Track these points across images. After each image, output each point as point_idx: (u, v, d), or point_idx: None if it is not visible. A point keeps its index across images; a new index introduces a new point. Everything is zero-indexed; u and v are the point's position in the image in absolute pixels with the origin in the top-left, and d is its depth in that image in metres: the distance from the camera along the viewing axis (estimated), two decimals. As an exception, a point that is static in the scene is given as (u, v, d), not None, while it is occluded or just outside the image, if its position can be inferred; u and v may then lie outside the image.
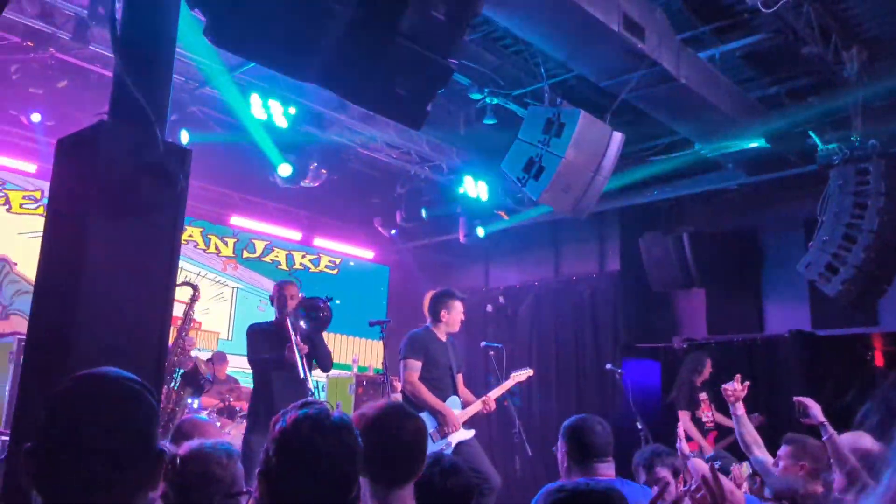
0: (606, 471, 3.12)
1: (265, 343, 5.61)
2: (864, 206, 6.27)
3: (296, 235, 10.47)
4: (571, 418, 3.32)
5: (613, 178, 6.15)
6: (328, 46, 3.10)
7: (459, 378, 5.87)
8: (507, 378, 6.05)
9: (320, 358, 5.78)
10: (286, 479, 1.75)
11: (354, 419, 2.34)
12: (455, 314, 5.79)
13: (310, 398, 1.90)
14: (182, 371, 5.66)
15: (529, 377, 6.29)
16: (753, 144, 6.85)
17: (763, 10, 5.02)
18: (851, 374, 8.04)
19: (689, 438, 7.18)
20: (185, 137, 6.90)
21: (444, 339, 5.83)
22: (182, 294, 5.24)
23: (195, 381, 5.66)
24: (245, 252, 10.06)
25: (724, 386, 4.36)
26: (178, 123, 6.86)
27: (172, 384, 5.54)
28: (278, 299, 5.76)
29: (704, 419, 7.30)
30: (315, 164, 7.97)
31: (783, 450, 3.95)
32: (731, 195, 8.26)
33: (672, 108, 6.24)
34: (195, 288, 5.68)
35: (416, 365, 5.59)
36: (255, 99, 6.85)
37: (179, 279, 6.41)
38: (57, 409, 1.40)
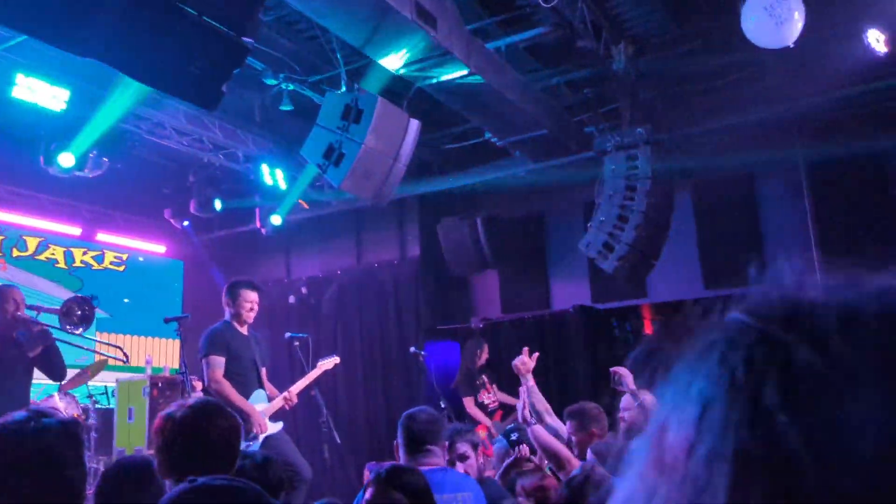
0: (432, 458, 3.18)
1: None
2: (634, 188, 6.93)
3: (75, 231, 9.58)
4: (405, 413, 3.39)
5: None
6: (110, 18, 2.88)
7: (264, 372, 5.74)
8: (313, 367, 6.00)
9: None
10: None
11: (159, 421, 2.21)
12: (241, 303, 5.60)
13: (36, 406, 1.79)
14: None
15: (336, 364, 6.29)
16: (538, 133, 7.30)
17: (543, 4, 5.37)
18: (626, 342, 8.90)
19: (475, 422, 7.59)
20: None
21: (245, 332, 5.66)
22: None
23: None
24: (15, 250, 9.05)
25: (514, 362, 4.61)
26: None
27: None
28: None
29: (487, 401, 7.74)
30: (95, 153, 7.35)
31: (568, 426, 4.27)
32: (520, 181, 8.76)
33: (464, 97, 6.49)
34: None
35: (220, 361, 5.39)
36: (20, 79, 6.19)
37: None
38: None
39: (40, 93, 6.35)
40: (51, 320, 5.48)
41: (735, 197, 8.35)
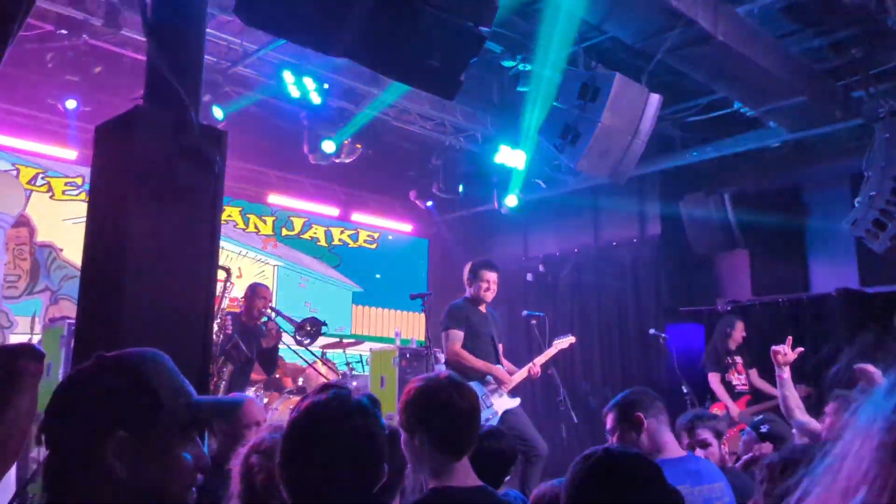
0: (669, 435, 2.97)
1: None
2: (914, 159, 6.07)
3: (333, 211, 10.53)
4: (622, 394, 3.16)
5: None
6: (357, 20, 3.07)
7: (500, 349, 5.90)
8: (549, 346, 6.05)
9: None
10: (302, 471, 1.67)
11: (411, 391, 2.33)
12: (480, 283, 5.77)
13: (332, 381, 1.84)
14: (225, 348, 5.81)
15: (572, 344, 6.28)
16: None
17: (804, -41, 4.84)
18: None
19: (715, 399, 7.14)
20: (219, 114, 6.97)
21: (483, 309, 5.84)
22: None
23: (235, 358, 5.83)
24: (284, 230, 10.16)
25: (773, 347, 4.26)
26: (211, 103, 6.92)
27: (216, 362, 5.69)
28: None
29: (735, 382, 7.25)
30: (349, 140, 7.97)
31: (830, 406, 3.86)
32: (773, 153, 8.05)
33: (711, 67, 6.07)
34: (228, 271, 5.82)
35: (459, 335, 5.63)
36: (287, 76, 6.86)
37: (224, 262, 6.64)
38: None
39: (303, 87, 6.98)
40: (284, 325, 6.44)
41: None
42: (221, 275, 5.88)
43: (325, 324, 6.57)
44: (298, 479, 1.68)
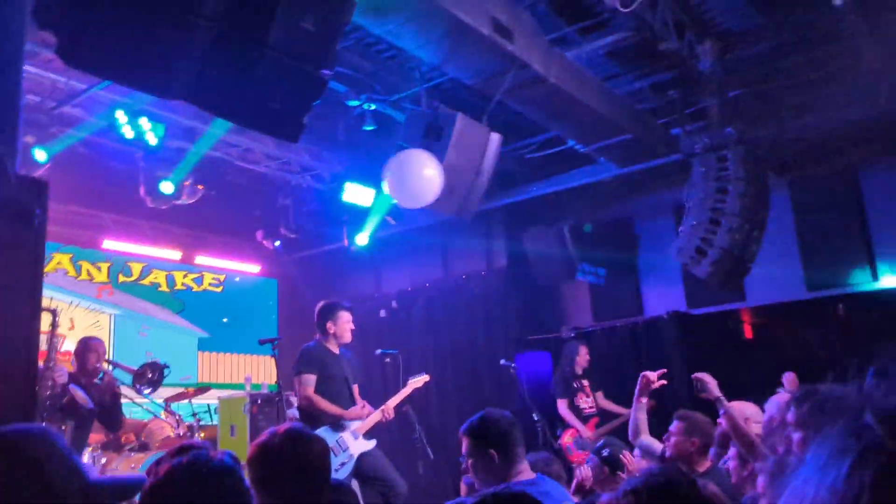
0: (524, 462, 3.05)
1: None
2: (726, 190, 6.66)
3: (175, 255, 10.04)
4: (475, 417, 3.24)
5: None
6: (193, 62, 2.98)
7: (356, 389, 5.83)
8: (404, 385, 6.05)
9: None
10: None
11: (254, 449, 2.26)
12: (342, 325, 5.74)
13: (188, 442, 1.73)
14: (61, 405, 5.36)
15: (426, 382, 6.32)
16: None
17: (621, 9, 5.23)
18: (725, 348, 8.57)
19: (566, 425, 7.46)
20: (41, 156, 6.48)
21: (336, 351, 5.77)
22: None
23: (77, 414, 5.38)
24: (121, 276, 9.57)
25: (645, 373, 4.52)
26: (35, 144, 6.44)
27: (52, 419, 5.22)
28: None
29: (583, 405, 7.60)
30: (190, 181, 7.68)
31: (675, 425, 4.13)
32: (606, 187, 8.59)
33: (544, 107, 6.41)
34: (54, 313, 5.38)
35: (311, 379, 5.52)
36: (120, 116, 6.52)
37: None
38: None
39: (138, 128, 6.66)
40: (123, 377, 6.04)
41: (837, 192, 7.92)
42: (48, 318, 5.43)
43: (166, 366, 6.16)
44: None
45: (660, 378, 4.46)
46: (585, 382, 7.72)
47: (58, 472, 1.15)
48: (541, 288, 9.38)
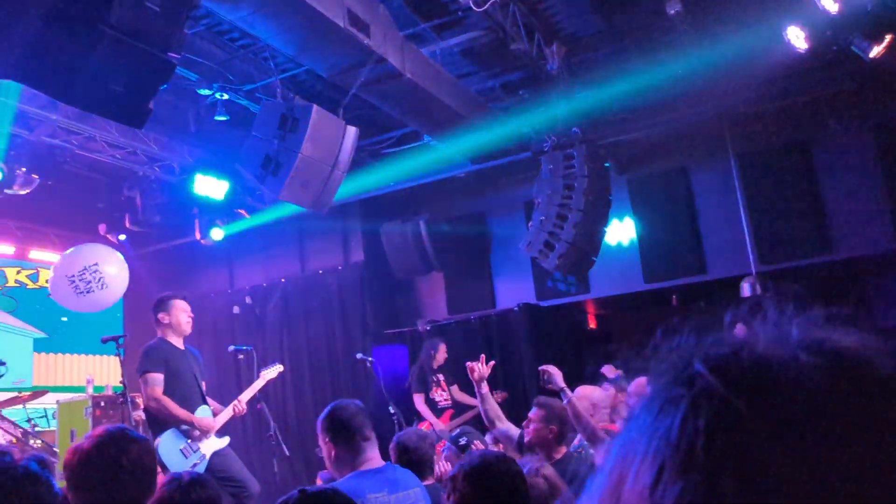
0: (372, 451, 3.10)
1: None
2: (572, 187, 7.04)
3: (8, 249, 9.28)
4: (325, 410, 3.27)
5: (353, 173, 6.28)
6: (23, 40, 2.80)
7: (204, 386, 5.65)
8: (257, 377, 5.94)
9: None
10: None
11: (69, 454, 2.15)
12: (176, 314, 5.51)
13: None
14: None
15: (281, 373, 6.24)
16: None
17: (475, 8, 5.41)
18: (571, 337, 9.04)
19: (421, 418, 7.64)
20: None
21: (181, 346, 5.55)
22: None
23: None
24: (-58, 273, 8.74)
25: (468, 364, 4.64)
26: None
27: None
28: None
29: (438, 399, 7.80)
30: (24, 169, 7.14)
31: (534, 412, 4.30)
32: (461, 182, 8.81)
33: (400, 102, 6.50)
34: None
35: (158, 378, 5.28)
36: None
37: None
38: None
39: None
40: None
41: (672, 190, 8.55)
42: None
43: (3, 363, 5.54)
44: None
45: (487, 364, 4.60)
46: (441, 377, 7.90)
47: None
48: (397, 282, 9.49)
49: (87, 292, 4.63)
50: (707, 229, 8.37)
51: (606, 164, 7.50)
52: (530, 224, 7.30)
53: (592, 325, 9.55)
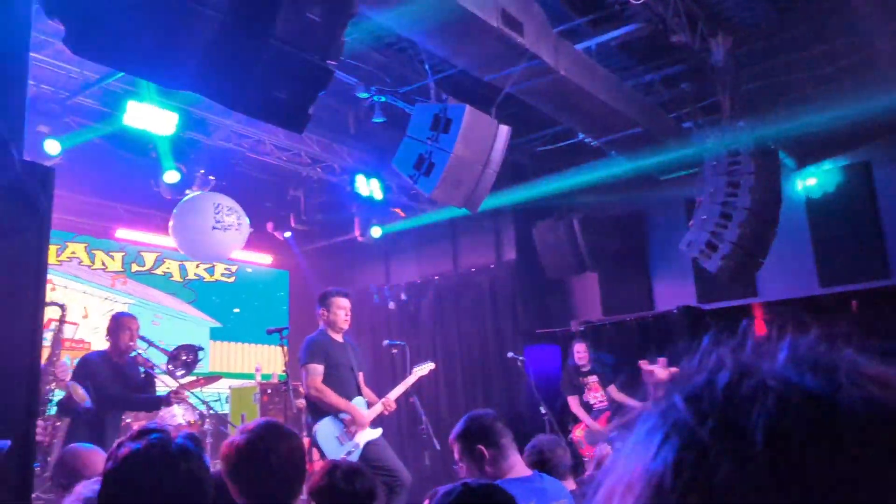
0: (515, 457, 3.02)
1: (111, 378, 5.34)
2: (737, 184, 6.63)
3: (188, 245, 10.11)
4: (460, 424, 3.19)
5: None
6: (199, 52, 3.00)
7: (361, 377, 5.85)
8: (409, 374, 6.07)
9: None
10: None
11: (224, 447, 2.27)
12: (335, 311, 5.71)
13: (150, 424, 1.71)
14: (56, 400, 5.31)
15: (433, 370, 6.34)
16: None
17: (633, 1, 5.22)
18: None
19: (577, 420, 7.46)
20: (53, 148, 6.49)
21: (340, 339, 5.78)
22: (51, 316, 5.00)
23: (72, 410, 5.28)
24: (134, 265, 9.65)
25: (645, 367, 4.42)
26: (50, 135, 6.48)
27: (48, 414, 5.19)
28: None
29: (592, 400, 7.60)
30: (202, 171, 7.73)
31: None
32: (618, 180, 8.56)
33: (554, 99, 6.40)
34: (63, 307, 5.36)
35: (318, 369, 5.53)
36: (133, 106, 6.56)
37: (62, 299, 6.11)
38: None
39: (151, 118, 6.70)
40: (157, 356, 5.76)
41: (852, 185, 7.85)
42: (56, 312, 5.42)
43: (201, 349, 5.94)
44: None
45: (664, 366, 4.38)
46: (592, 378, 7.71)
47: None
48: (550, 281, 9.37)
49: (224, 229, 4.83)
50: (891, 229, 7.63)
51: (777, 160, 7.00)
52: (691, 223, 6.96)
53: (760, 330, 8.97)
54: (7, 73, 2.47)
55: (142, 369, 5.62)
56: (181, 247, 5.26)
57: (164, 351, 5.73)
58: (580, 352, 7.71)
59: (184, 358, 5.71)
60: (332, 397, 5.48)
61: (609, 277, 9.28)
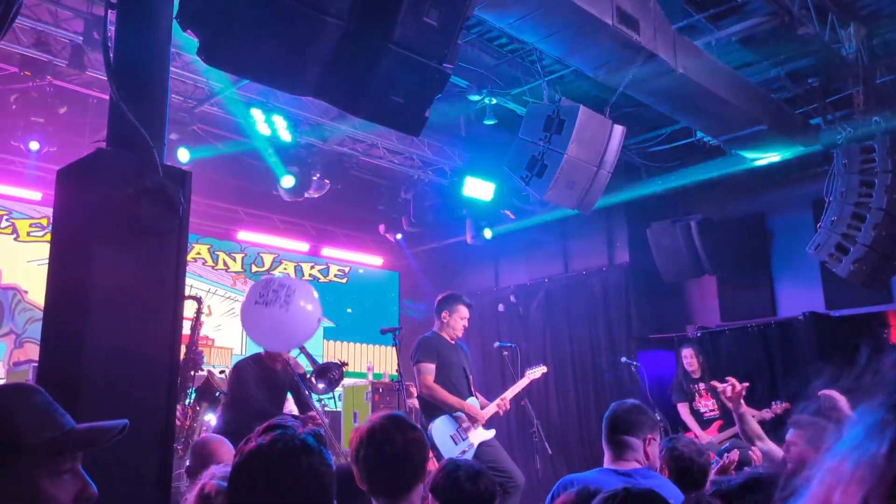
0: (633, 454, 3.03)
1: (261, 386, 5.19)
2: (872, 184, 6.23)
3: (303, 247, 10.49)
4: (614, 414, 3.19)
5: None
6: (322, 59, 3.10)
7: (471, 380, 5.88)
8: (521, 377, 6.04)
9: None
10: None
11: (353, 434, 2.36)
12: (457, 318, 5.76)
13: (279, 420, 1.78)
14: (195, 387, 5.66)
15: (544, 374, 6.29)
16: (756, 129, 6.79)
17: (757, -6, 5.00)
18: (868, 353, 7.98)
19: (686, 429, 7.19)
20: (184, 156, 6.89)
21: (453, 341, 5.82)
22: (188, 310, 5.22)
23: (210, 395, 5.64)
24: (254, 266, 10.09)
25: (718, 386, 4.27)
26: (179, 142, 6.88)
27: (187, 401, 5.53)
28: None
29: (703, 409, 7.30)
30: (318, 175, 7.99)
31: (794, 434, 3.86)
32: (737, 180, 8.21)
33: (671, 98, 6.20)
34: (199, 301, 5.66)
35: (430, 368, 5.60)
36: (257, 114, 6.86)
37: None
38: None
39: (273, 125, 6.99)
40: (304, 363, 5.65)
41: None
42: (193, 305, 5.73)
43: (345, 364, 5.88)
44: None
45: (740, 384, 4.17)
46: (702, 385, 7.43)
47: (26, 425, 1.22)
48: (665, 284, 9.09)
49: (266, 304, 4.71)
50: None
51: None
52: (819, 225, 6.58)
53: (895, 339, 8.37)
54: (152, 84, 2.62)
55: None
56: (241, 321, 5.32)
57: (314, 363, 5.57)
58: (688, 357, 7.43)
59: (332, 375, 5.68)
60: (445, 395, 5.53)
61: (728, 281, 8.91)
